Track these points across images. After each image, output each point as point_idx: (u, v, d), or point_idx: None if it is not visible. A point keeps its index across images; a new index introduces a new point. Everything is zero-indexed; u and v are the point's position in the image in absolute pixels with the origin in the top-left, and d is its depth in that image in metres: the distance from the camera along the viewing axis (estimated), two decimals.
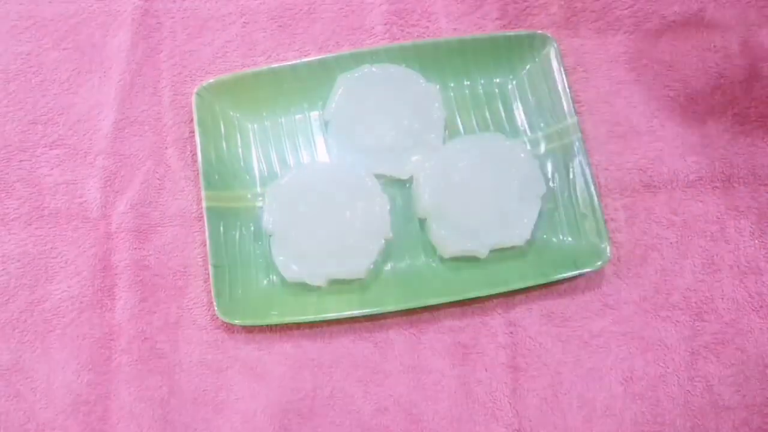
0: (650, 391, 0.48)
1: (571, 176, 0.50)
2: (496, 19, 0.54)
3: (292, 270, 0.48)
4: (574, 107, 0.50)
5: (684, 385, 0.48)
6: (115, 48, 0.54)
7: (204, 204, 0.49)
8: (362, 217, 0.48)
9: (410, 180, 0.51)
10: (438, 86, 0.52)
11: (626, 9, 0.54)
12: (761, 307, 0.49)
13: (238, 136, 0.52)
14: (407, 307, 0.47)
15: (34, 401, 0.48)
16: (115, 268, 0.50)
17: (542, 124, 0.52)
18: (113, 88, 0.53)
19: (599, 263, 0.47)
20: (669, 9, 0.54)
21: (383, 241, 0.49)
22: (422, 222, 0.50)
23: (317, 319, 0.47)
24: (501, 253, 0.49)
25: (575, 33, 0.54)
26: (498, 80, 0.53)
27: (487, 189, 0.49)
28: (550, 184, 0.51)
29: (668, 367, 0.48)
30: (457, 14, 0.54)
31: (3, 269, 0.50)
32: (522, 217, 0.49)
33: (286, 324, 0.49)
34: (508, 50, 0.52)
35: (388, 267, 0.50)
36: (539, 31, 0.51)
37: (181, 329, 0.49)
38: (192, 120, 0.52)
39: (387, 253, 0.50)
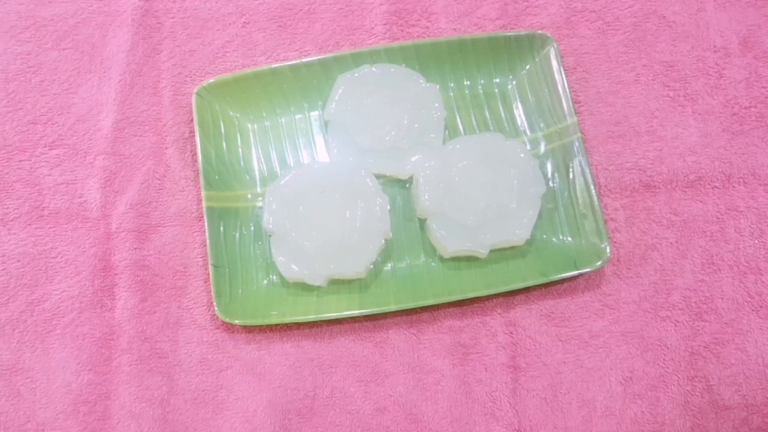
0: (650, 391, 0.48)
1: (570, 176, 0.50)
2: (496, 19, 0.54)
3: (292, 270, 0.48)
4: (574, 107, 0.50)
5: (684, 385, 0.48)
6: (115, 48, 0.54)
7: (204, 204, 0.49)
8: (362, 217, 0.48)
9: (410, 180, 0.51)
10: (438, 86, 0.52)
11: (626, 9, 0.54)
12: (761, 307, 0.49)
13: (238, 136, 0.52)
14: (407, 307, 0.47)
15: (34, 401, 0.48)
16: (115, 268, 0.50)
17: (542, 124, 0.52)
18: (113, 88, 0.53)
19: (599, 263, 0.47)
20: (669, 9, 0.54)
21: (383, 241, 0.49)
22: (422, 222, 0.50)
23: (317, 319, 0.47)
24: (501, 253, 0.49)
25: (575, 33, 0.54)
26: (498, 80, 0.53)
27: (486, 189, 0.49)
28: (550, 184, 0.51)
29: (668, 367, 0.48)
30: (457, 14, 0.54)
31: (3, 269, 0.50)
32: (522, 217, 0.49)
33: (286, 324, 0.49)
34: (508, 50, 0.52)
35: (388, 267, 0.50)
36: (539, 31, 0.51)
37: (181, 329, 0.49)
38: (192, 120, 0.52)
39: (387, 253, 0.50)
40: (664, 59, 0.53)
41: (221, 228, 0.49)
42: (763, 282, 0.49)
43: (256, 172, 0.52)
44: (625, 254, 0.50)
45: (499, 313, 0.49)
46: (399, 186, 0.51)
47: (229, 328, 0.49)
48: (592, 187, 0.49)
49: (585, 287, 0.50)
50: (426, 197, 0.49)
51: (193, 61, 0.54)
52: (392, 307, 0.47)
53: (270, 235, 0.49)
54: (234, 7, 0.55)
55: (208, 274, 0.48)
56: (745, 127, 0.52)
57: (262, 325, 0.49)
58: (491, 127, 0.52)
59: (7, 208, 0.51)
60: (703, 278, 0.50)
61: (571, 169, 0.50)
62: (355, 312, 0.47)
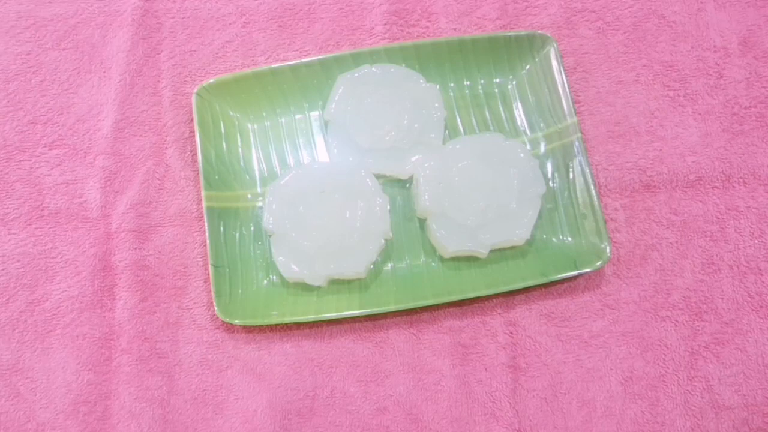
0: (650, 391, 0.48)
1: (570, 176, 0.50)
2: (496, 19, 0.54)
3: (292, 270, 0.48)
4: (574, 107, 0.50)
5: (684, 385, 0.48)
6: (115, 48, 0.54)
7: (204, 204, 0.49)
8: (362, 217, 0.48)
9: (410, 180, 0.51)
10: (438, 86, 0.52)
11: (626, 9, 0.54)
12: (761, 307, 0.49)
13: (238, 136, 0.52)
14: (407, 307, 0.47)
15: (34, 401, 0.48)
16: (115, 268, 0.50)
17: (542, 124, 0.52)
18: (113, 88, 0.53)
19: (599, 263, 0.47)
20: (669, 9, 0.54)
21: (383, 241, 0.49)
22: (422, 222, 0.50)
23: (317, 319, 0.47)
24: (501, 253, 0.49)
25: (575, 33, 0.54)
26: (498, 80, 0.53)
27: (486, 189, 0.49)
28: (550, 184, 0.51)
29: (668, 367, 0.48)
30: (457, 14, 0.54)
31: (3, 269, 0.50)
32: (522, 217, 0.49)
33: (286, 324, 0.49)
34: (508, 50, 0.52)
35: (388, 267, 0.50)
36: (539, 31, 0.51)
37: (181, 329, 0.49)
38: (192, 120, 0.52)
39: (387, 253, 0.50)
40: (664, 59, 0.53)
41: (221, 228, 0.49)
42: (763, 282, 0.49)
43: (256, 172, 0.52)
44: (625, 254, 0.50)
45: (499, 313, 0.49)
46: (399, 186, 0.51)
47: (229, 328, 0.49)
48: (592, 187, 0.49)
49: (585, 287, 0.50)
50: (426, 197, 0.49)
51: (193, 61, 0.54)
52: (392, 307, 0.47)
53: (270, 235, 0.49)
54: (234, 7, 0.55)
55: (208, 274, 0.48)
56: (745, 127, 0.52)
57: (262, 325, 0.49)
58: (491, 127, 0.52)
59: (7, 208, 0.51)
60: (703, 278, 0.50)
61: (571, 169, 0.50)
62: (355, 312, 0.47)
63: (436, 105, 0.51)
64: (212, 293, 0.48)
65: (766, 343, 0.48)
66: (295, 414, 0.48)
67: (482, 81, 0.53)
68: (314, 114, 0.53)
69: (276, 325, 0.49)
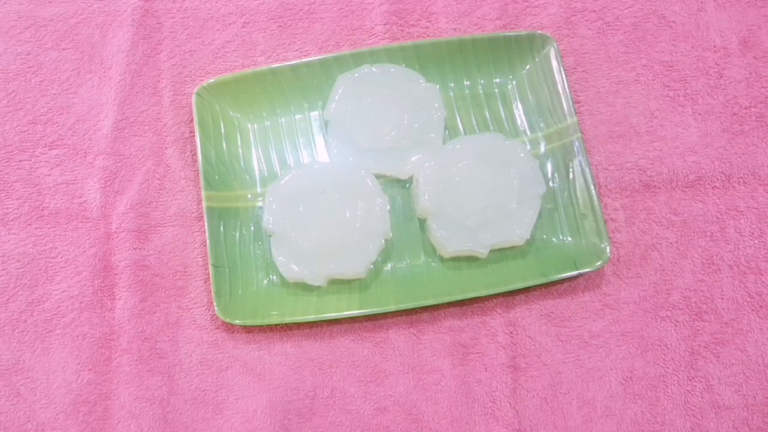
0: (650, 391, 0.48)
1: (570, 176, 0.50)
2: (496, 19, 0.54)
3: (292, 270, 0.48)
4: (573, 107, 0.50)
5: (684, 385, 0.48)
6: (115, 48, 0.54)
7: (204, 204, 0.49)
8: (362, 217, 0.48)
9: (410, 180, 0.51)
10: (438, 86, 0.52)
11: (626, 9, 0.54)
12: (761, 307, 0.49)
13: (238, 136, 0.52)
14: (407, 307, 0.47)
15: (34, 401, 0.48)
16: (115, 268, 0.50)
17: (542, 124, 0.52)
18: (113, 88, 0.53)
19: (599, 263, 0.47)
20: (669, 9, 0.54)
21: (383, 241, 0.49)
22: (422, 222, 0.50)
23: (317, 319, 0.47)
24: (501, 253, 0.49)
25: (575, 33, 0.54)
26: (498, 80, 0.53)
27: (486, 189, 0.49)
28: (550, 184, 0.51)
29: (668, 367, 0.48)
30: (457, 14, 0.54)
31: (3, 269, 0.50)
32: (522, 217, 0.49)
33: (286, 324, 0.49)
34: (508, 50, 0.52)
35: (388, 267, 0.50)
36: (539, 31, 0.51)
37: (181, 329, 0.49)
38: (192, 120, 0.52)
39: (387, 253, 0.50)
40: (664, 59, 0.53)
41: (221, 228, 0.49)
42: (763, 282, 0.49)
43: (256, 172, 0.52)
44: (625, 254, 0.50)
45: (499, 313, 0.49)
46: (399, 186, 0.51)
47: (229, 328, 0.49)
48: (592, 187, 0.49)
49: (585, 287, 0.50)
50: (426, 197, 0.49)
51: (193, 61, 0.54)
52: (392, 307, 0.47)
53: (270, 235, 0.49)
54: (234, 7, 0.55)
55: (208, 274, 0.48)
56: (745, 127, 0.52)
57: (262, 325, 0.49)
58: (491, 127, 0.52)
59: (7, 208, 0.51)
60: (703, 278, 0.50)
61: (571, 169, 0.50)
62: (355, 312, 0.47)
63: (436, 105, 0.51)
64: (212, 293, 0.48)
65: (766, 343, 0.48)
66: (295, 414, 0.48)
67: (482, 81, 0.53)
68: (314, 114, 0.53)
69: (276, 325, 0.49)
